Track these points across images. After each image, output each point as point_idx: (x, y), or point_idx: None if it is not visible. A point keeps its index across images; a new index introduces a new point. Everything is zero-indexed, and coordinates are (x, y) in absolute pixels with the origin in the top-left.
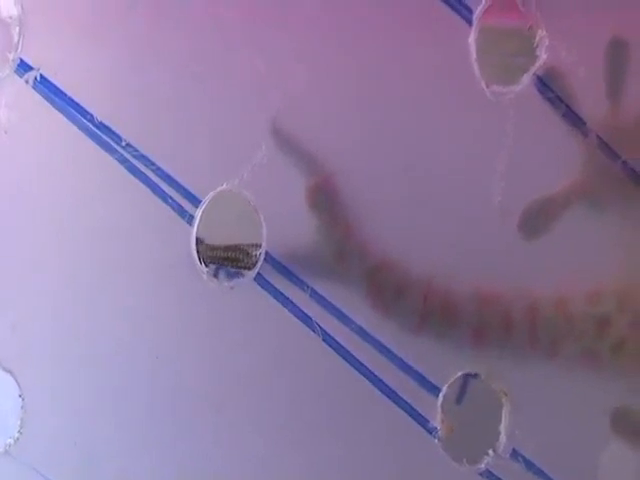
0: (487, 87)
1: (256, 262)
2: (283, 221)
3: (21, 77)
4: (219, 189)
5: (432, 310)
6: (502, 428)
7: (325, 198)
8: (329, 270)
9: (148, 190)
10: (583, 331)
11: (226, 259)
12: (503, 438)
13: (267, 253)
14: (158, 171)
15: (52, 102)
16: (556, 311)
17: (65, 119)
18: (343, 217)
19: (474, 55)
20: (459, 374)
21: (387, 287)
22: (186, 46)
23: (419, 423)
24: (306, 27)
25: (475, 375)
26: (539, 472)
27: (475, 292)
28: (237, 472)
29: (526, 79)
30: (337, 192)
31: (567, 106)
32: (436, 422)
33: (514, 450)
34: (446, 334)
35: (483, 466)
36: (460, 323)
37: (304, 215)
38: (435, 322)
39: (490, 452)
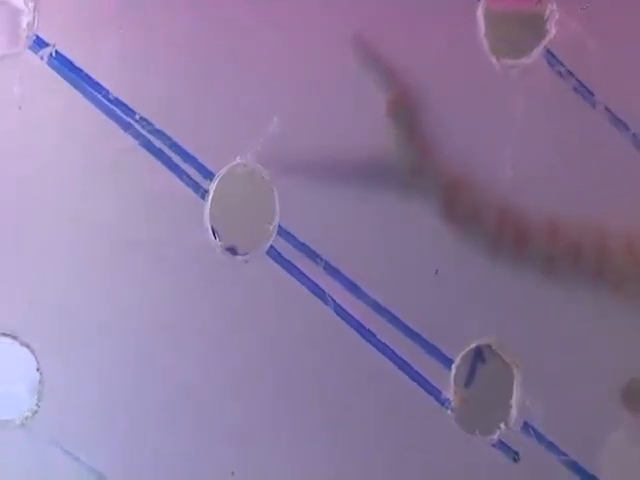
0: (497, 60)
1: None
2: (297, 194)
3: (36, 53)
4: (232, 163)
5: (505, 235)
6: (513, 401)
7: (405, 111)
8: (402, 183)
9: (162, 164)
10: None
11: None
12: (514, 411)
13: (280, 227)
14: (172, 146)
15: (67, 78)
16: (624, 251)
17: (80, 95)
18: (421, 132)
19: (483, 29)
20: (472, 345)
21: (462, 206)
22: (198, 23)
23: (432, 394)
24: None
25: (488, 347)
26: (550, 445)
27: (547, 221)
28: (255, 437)
29: (536, 53)
30: (417, 107)
31: (577, 79)
32: (449, 393)
33: (525, 422)
34: (518, 260)
35: (495, 437)
36: (532, 250)
37: (317, 187)
38: (508, 247)
39: (502, 425)
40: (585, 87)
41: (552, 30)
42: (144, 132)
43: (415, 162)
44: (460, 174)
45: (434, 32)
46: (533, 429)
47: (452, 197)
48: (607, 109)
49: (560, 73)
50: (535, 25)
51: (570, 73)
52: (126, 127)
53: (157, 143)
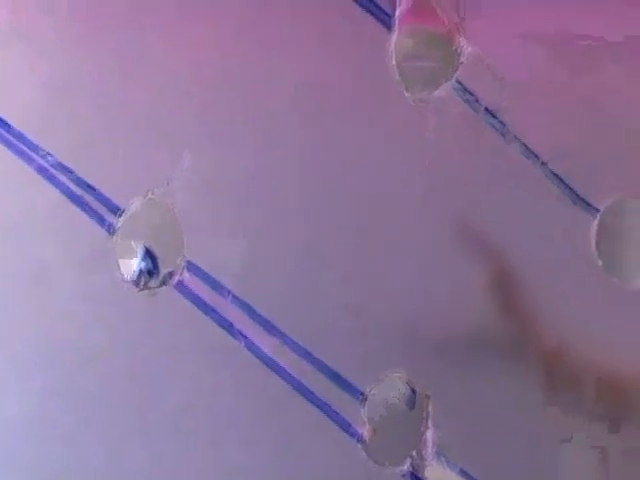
0: (408, 92)
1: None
2: (205, 230)
3: None
4: (140, 198)
5: (603, 395)
6: (425, 430)
7: (506, 286)
8: (504, 354)
9: (67, 199)
10: None
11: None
12: (426, 440)
13: (189, 261)
14: (78, 180)
15: None
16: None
17: None
18: (521, 304)
19: (394, 60)
20: (382, 376)
21: (563, 371)
22: (107, 52)
23: (342, 427)
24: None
25: (400, 379)
26: (463, 473)
27: None
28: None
29: (446, 83)
30: (515, 282)
31: (486, 109)
32: (359, 426)
33: (437, 452)
34: (618, 415)
35: (406, 468)
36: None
37: (226, 224)
38: (606, 406)
39: (413, 454)
40: (496, 118)
41: (463, 61)
42: (49, 167)
43: (517, 331)
44: (560, 342)
45: (345, 63)
46: (446, 459)
47: (554, 363)
48: (517, 139)
49: (470, 103)
50: (446, 58)
51: (481, 105)
52: (30, 162)
53: (62, 178)
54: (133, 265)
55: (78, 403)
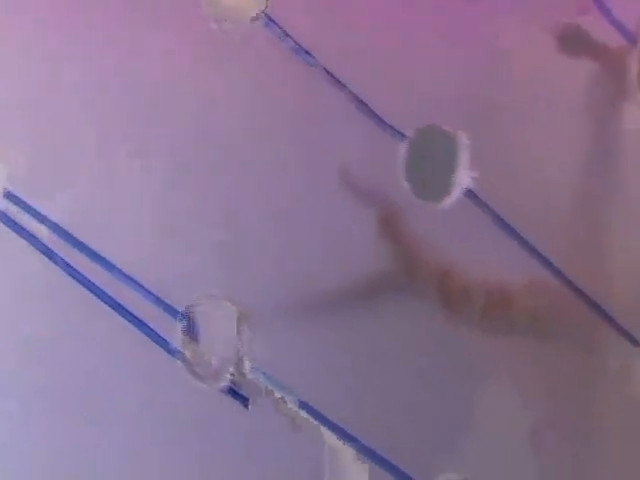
0: (217, 25)
1: None
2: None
3: None
4: None
5: (492, 306)
6: (242, 346)
7: (394, 226)
8: (400, 288)
9: None
10: None
11: None
12: (244, 357)
13: (9, 191)
14: None
15: None
16: None
17: None
18: (409, 237)
19: None
20: (200, 295)
21: (455, 289)
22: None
23: (160, 345)
24: None
25: (215, 296)
26: (279, 387)
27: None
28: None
29: (256, 17)
30: (402, 218)
31: (294, 40)
32: (177, 343)
33: (255, 368)
34: (504, 324)
35: (225, 384)
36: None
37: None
38: (495, 315)
39: (232, 370)
40: (303, 48)
41: None
42: None
43: (408, 264)
44: (449, 263)
45: None
46: (263, 373)
47: (446, 285)
48: (325, 69)
49: (278, 35)
50: None
51: (288, 36)
52: None
53: None
54: None
55: None
